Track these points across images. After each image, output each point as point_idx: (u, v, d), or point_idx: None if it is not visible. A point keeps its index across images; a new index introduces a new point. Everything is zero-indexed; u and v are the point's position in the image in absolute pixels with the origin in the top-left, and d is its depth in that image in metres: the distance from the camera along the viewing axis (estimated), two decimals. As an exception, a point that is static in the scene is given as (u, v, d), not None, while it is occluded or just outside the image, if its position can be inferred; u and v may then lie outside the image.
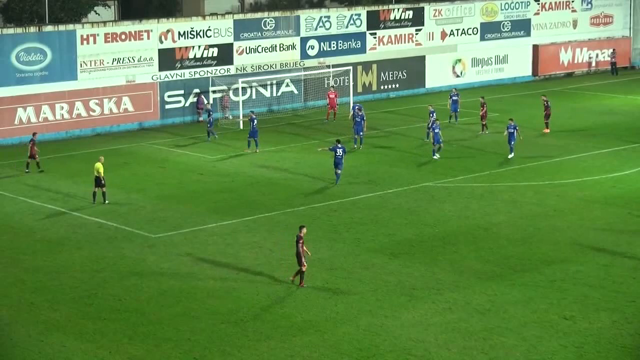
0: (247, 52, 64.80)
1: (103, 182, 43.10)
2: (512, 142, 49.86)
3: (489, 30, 75.61)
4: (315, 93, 66.50)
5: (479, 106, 57.76)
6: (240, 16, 66.53)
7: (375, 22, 70.33)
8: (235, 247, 36.85)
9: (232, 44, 64.30)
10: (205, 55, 63.16)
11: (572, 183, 45.52)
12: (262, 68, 65.36)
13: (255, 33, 64.99)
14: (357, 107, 56.14)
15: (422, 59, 72.54)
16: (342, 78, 66.86)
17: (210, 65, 63.48)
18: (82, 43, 58.80)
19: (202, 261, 35.23)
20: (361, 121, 53.89)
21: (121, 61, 60.08)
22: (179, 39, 62.22)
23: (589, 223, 39.00)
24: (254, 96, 64.59)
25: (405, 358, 26.88)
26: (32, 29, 58.20)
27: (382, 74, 70.53)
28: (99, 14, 73.17)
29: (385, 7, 71.29)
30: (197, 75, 62.85)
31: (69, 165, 51.20)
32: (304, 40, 67.25)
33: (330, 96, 62.03)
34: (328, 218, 40.35)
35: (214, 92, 62.87)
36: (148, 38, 61.08)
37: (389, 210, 41.39)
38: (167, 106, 61.89)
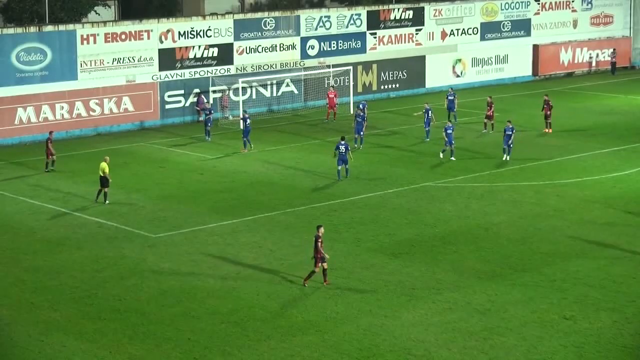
0: (247, 52, 64.81)
1: (108, 182, 43.13)
2: (511, 145, 49.32)
3: (489, 30, 75.63)
4: (315, 93, 66.51)
5: (485, 105, 57.84)
6: (241, 16, 66.54)
7: (375, 22, 70.34)
8: (235, 247, 36.85)
9: (232, 44, 64.31)
10: (205, 55, 63.17)
11: (572, 183, 45.52)
12: (262, 68, 65.37)
13: (255, 33, 65.00)
14: (362, 104, 56.38)
15: (422, 58, 72.56)
16: (342, 78, 66.89)
17: (210, 65, 63.49)
18: (82, 43, 58.82)
19: (202, 261, 35.23)
20: (362, 121, 53.93)
21: (121, 61, 60.09)
22: (179, 38, 62.23)
23: (589, 223, 39.00)
24: (254, 96, 64.61)
25: (405, 358, 26.88)
26: (32, 29, 58.21)
27: (382, 73, 70.55)
28: (99, 14, 73.17)
29: (386, 7, 71.30)
30: (197, 75, 62.86)
31: (69, 165, 51.18)
32: (304, 40, 67.26)
33: (330, 96, 62.04)
34: (328, 218, 40.33)
35: (214, 92, 62.88)
36: (148, 38, 61.09)
37: (389, 210, 41.40)
38: (167, 106, 61.91)
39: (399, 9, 71.47)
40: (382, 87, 70.81)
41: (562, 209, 41.13)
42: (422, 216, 40.50)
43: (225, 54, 63.95)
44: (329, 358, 26.95)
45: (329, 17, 68.39)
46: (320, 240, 32.09)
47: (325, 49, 68.13)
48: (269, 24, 65.64)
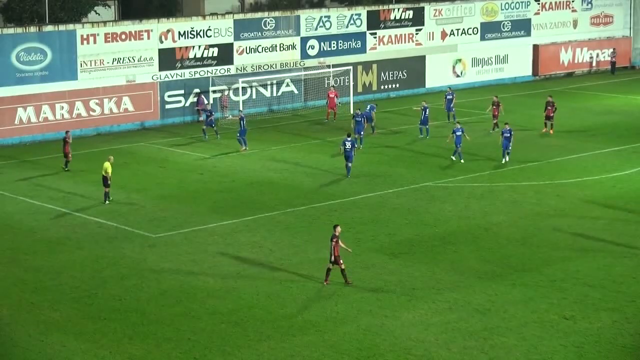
0: (247, 52, 64.81)
1: (109, 182, 43.17)
2: (509, 147, 48.93)
3: (489, 30, 75.62)
4: (315, 93, 66.50)
5: (490, 105, 57.93)
6: (241, 16, 66.54)
7: (375, 22, 70.34)
8: (235, 247, 36.85)
9: (232, 44, 64.32)
10: (205, 55, 63.17)
11: (572, 183, 45.52)
12: (262, 68, 65.37)
13: (255, 33, 65.01)
14: (371, 106, 56.67)
15: (422, 58, 72.55)
16: (342, 78, 66.88)
17: (210, 65, 63.49)
18: (82, 43, 58.82)
19: (202, 261, 35.23)
20: (361, 120, 53.97)
21: (121, 61, 60.09)
22: (179, 38, 62.23)
23: (589, 223, 39.00)
24: (254, 96, 64.61)
25: (405, 358, 26.88)
26: (32, 29, 58.21)
27: (382, 73, 70.54)
28: (99, 14, 73.17)
29: (386, 7, 71.30)
30: (197, 75, 62.86)
31: (69, 165, 51.13)
32: (304, 40, 67.26)
33: (330, 96, 62.05)
34: (328, 218, 40.32)
35: (214, 92, 62.89)
36: (148, 38, 61.09)
37: (389, 210, 41.40)
38: (167, 106, 61.90)
39: (399, 9, 71.46)
40: (382, 87, 70.80)
41: (562, 209, 41.13)
42: (422, 216, 40.50)
43: (225, 54, 63.95)
44: (329, 358, 26.95)
45: (329, 17, 68.39)
46: (335, 239, 32.04)
47: (325, 49, 68.13)
48: (269, 24, 65.64)
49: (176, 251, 36.42)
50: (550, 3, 78.70)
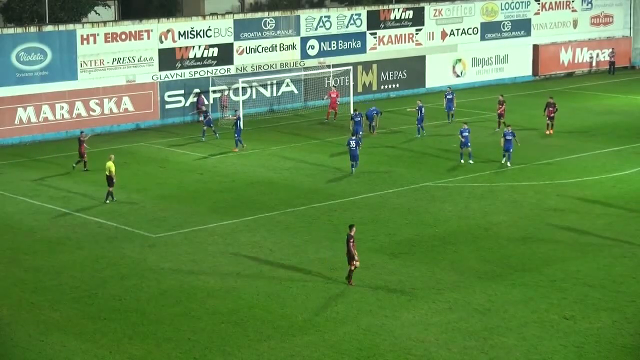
0: (247, 52, 64.83)
1: (114, 181, 43.17)
2: (511, 150, 48.56)
3: (489, 30, 75.62)
4: (315, 93, 66.50)
5: (496, 104, 58.04)
6: (241, 16, 66.55)
7: (375, 22, 70.35)
8: (235, 247, 36.85)
9: (232, 44, 64.32)
10: (205, 55, 63.18)
11: (573, 183, 45.52)
12: (262, 68, 65.38)
13: (255, 33, 65.02)
14: (375, 110, 56.73)
15: (422, 58, 72.56)
16: (342, 78, 66.88)
17: (210, 65, 63.50)
18: (82, 43, 58.83)
19: (202, 261, 35.23)
20: (360, 120, 54.03)
21: (121, 61, 60.10)
22: (179, 38, 62.24)
23: (589, 223, 38.99)
24: (254, 96, 64.62)
25: (405, 358, 26.88)
26: (32, 29, 58.22)
27: (382, 73, 70.55)
28: (99, 14, 73.18)
29: (386, 7, 71.31)
30: (197, 75, 62.87)
31: (69, 165, 51.14)
32: (304, 40, 67.27)
33: (332, 95, 62.06)
34: (328, 218, 40.35)
35: (214, 92, 62.90)
36: (148, 38, 61.10)
37: (389, 210, 41.40)
38: (167, 106, 61.92)
39: (399, 9, 71.47)
40: (382, 87, 70.81)
41: (562, 209, 41.13)
42: (422, 216, 40.50)
43: (225, 54, 63.96)
44: (329, 358, 26.95)
45: (329, 17, 68.39)
46: (351, 239, 32.03)
47: (325, 49, 68.14)
48: (269, 24, 65.64)
49: (176, 251, 36.42)
50: (550, 3, 78.71)
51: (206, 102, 61.63)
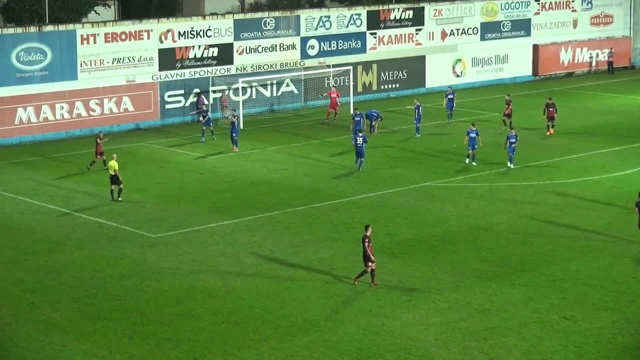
0: (247, 52, 64.83)
1: (120, 179, 43.19)
2: (513, 153, 48.16)
3: (489, 30, 75.63)
4: (315, 93, 66.50)
5: (503, 103, 58.08)
6: (240, 16, 66.56)
7: (375, 21, 70.35)
8: (235, 247, 36.85)
9: (232, 44, 64.33)
10: (205, 55, 63.18)
11: (573, 183, 45.52)
12: (262, 68, 65.38)
13: (255, 33, 65.02)
14: (376, 113, 56.77)
15: (422, 58, 72.57)
16: (342, 78, 66.88)
17: (210, 65, 63.50)
18: (82, 43, 58.83)
19: (202, 261, 35.23)
20: (360, 120, 54.08)
21: (121, 61, 60.10)
22: (179, 38, 62.25)
23: (589, 223, 38.99)
24: (254, 96, 64.63)
25: (405, 358, 26.88)
26: (32, 29, 58.23)
27: (382, 73, 70.56)
28: (99, 14, 73.16)
29: (386, 7, 71.32)
30: (197, 75, 62.88)
31: (69, 165, 51.20)
32: (304, 40, 67.27)
33: (332, 95, 62.07)
34: (328, 218, 40.35)
35: (214, 92, 62.90)
36: (148, 38, 61.11)
37: (389, 210, 41.40)
38: (167, 106, 61.93)
39: (399, 9, 71.47)
40: (382, 87, 70.82)
41: (562, 209, 41.13)
42: (422, 216, 40.49)
43: (225, 54, 63.97)
44: (329, 358, 26.95)
45: (329, 17, 68.40)
46: (367, 240, 32.01)
47: (325, 49, 68.14)
48: (269, 24, 65.65)
49: (176, 251, 36.42)
50: (550, 3, 78.72)
51: (206, 102, 61.59)
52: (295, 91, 66.54)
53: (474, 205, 41.96)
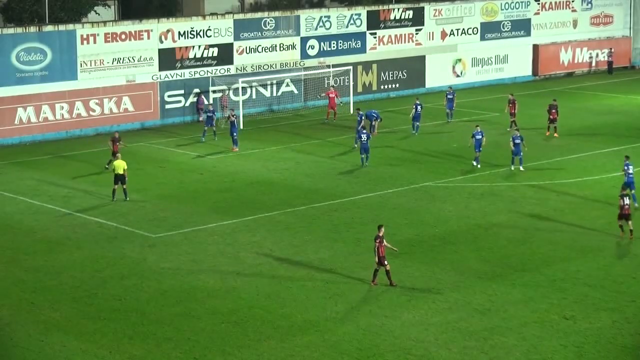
0: (247, 52, 64.82)
1: (126, 178, 43.21)
2: (520, 155, 47.69)
3: (489, 30, 75.62)
4: (315, 93, 66.49)
5: (506, 103, 58.09)
6: (240, 16, 66.55)
7: (375, 22, 70.34)
8: (235, 247, 36.85)
9: (232, 44, 64.32)
10: (205, 55, 63.17)
11: (573, 183, 45.52)
12: (262, 68, 65.37)
13: (255, 33, 65.01)
14: (375, 113, 56.77)
15: (422, 58, 72.56)
16: (342, 78, 66.88)
17: (210, 65, 63.49)
18: (82, 43, 58.82)
19: (202, 261, 35.23)
20: (360, 120, 54.06)
21: (121, 61, 60.09)
22: (179, 38, 62.24)
23: (589, 223, 38.99)
24: (254, 96, 64.62)
25: (405, 358, 26.88)
26: (32, 29, 58.21)
27: (382, 73, 70.55)
28: (99, 14, 73.15)
29: (385, 7, 71.31)
30: (197, 75, 62.87)
31: (69, 165, 51.21)
32: (304, 40, 67.27)
33: (330, 95, 62.07)
34: (328, 218, 40.36)
35: (214, 92, 62.89)
36: (148, 38, 61.09)
37: (389, 210, 41.40)
38: (167, 106, 61.92)
39: (399, 9, 71.46)
40: (382, 87, 70.81)
41: (562, 209, 41.13)
42: (422, 216, 40.50)
43: (225, 54, 63.96)
44: (329, 358, 26.96)
45: (329, 17, 68.39)
46: (379, 240, 31.95)
47: (325, 49, 68.13)
48: (269, 24, 65.64)
49: (176, 251, 36.42)
50: (550, 3, 78.71)
51: (206, 102, 61.57)
52: (295, 91, 66.52)
53: (474, 205, 41.96)
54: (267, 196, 44.16)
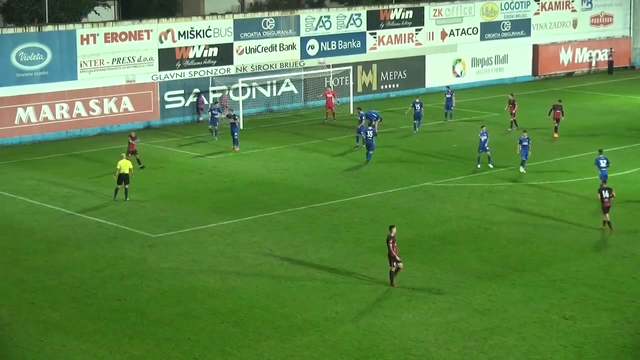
0: (247, 52, 64.82)
1: (129, 178, 43.24)
2: (526, 157, 47.38)
3: (489, 30, 75.63)
4: (315, 93, 66.49)
5: (506, 103, 58.10)
6: (240, 16, 66.55)
7: (375, 22, 70.35)
8: (235, 247, 36.85)
9: (232, 44, 64.32)
10: (205, 55, 63.17)
11: (572, 183, 45.53)
12: (262, 68, 65.38)
13: (255, 33, 65.01)
14: (375, 113, 56.71)
15: (422, 58, 72.57)
16: (342, 78, 66.88)
17: (210, 65, 63.50)
18: (82, 43, 58.82)
19: (202, 261, 35.23)
20: (361, 119, 54.12)
21: (121, 61, 60.09)
22: (179, 38, 62.24)
23: (589, 223, 38.99)
24: (254, 96, 64.62)
25: (405, 358, 26.88)
26: (32, 29, 58.22)
27: (382, 73, 70.55)
28: (99, 14, 73.15)
29: (385, 7, 71.31)
30: (197, 75, 62.87)
31: (69, 165, 51.21)
32: (304, 40, 67.27)
33: (328, 96, 62.08)
34: (328, 218, 40.36)
35: (214, 92, 62.89)
36: (148, 38, 61.10)
37: (389, 210, 41.40)
38: (167, 106, 61.91)
39: (398, 9, 71.47)
40: (382, 87, 70.81)
41: (562, 209, 41.13)
42: (422, 216, 40.50)
43: (225, 54, 63.96)
44: (329, 358, 26.95)
45: (328, 17, 68.40)
46: (391, 240, 31.92)
47: (325, 49, 68.14)
48: (269, 24, 65.64)
49: (176, 251, 36.42)
50: (550, 3, 78.72)
51: (211, 101, 61.56)
52: (295, 91, 66.53)
53: (474, 205, 41.96)
54: (267, 196, 44.17)
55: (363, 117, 54.45)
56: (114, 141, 56.81)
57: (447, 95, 60.73)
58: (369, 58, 70.01)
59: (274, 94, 65.81)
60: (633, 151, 51.87)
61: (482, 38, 75.40)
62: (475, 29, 74.99)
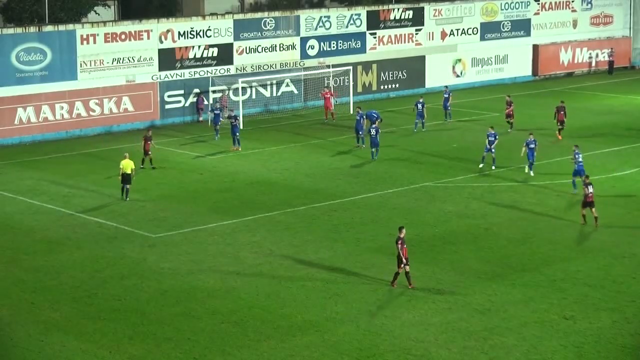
0: (247, 52, 64.82)
1: (131, 178, 43.21)
2: (533, 159, 46.95)
3: (489, 30, 75.62)
4: (315, 93, 66.48)
5: (504, 104, 58.13)
6: (240, 16, 66.55)
7: (375, 22, 70.34)
8: (235, 247, 36.85)
9: (232, 44, 64.32)
10: (205, 55, 63.17)
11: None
12: (262, 68, 65.38)
13: (255, 33, 65.01)
14: (375, 114, 56.69)
15: (422, 58, 72.56)
16: (342, 78, 66.88)
17: (210, 65, 63.49)
18: (82, 43, 58.82)
19: (202, 261, 35.23)
20: (361, 119, 54.11)
21: (121, 61, 60.09)
22: (179, 38, 62.24)
23: (588, 223, 38.97)
24: (254, 96, 64.62)
25: (405, 358, 26.88)
26: (32, 29, 58.22)
27: (382, 73, 70.55)
28: (99, 14, 73.18)
29: (385, 7, 71.31)
30: (197, 75, 62.87)
31: (69, 165, 51.21)
32: (304, 40, 67.27)
33: (326, 96, 62.08)
34: (328, 218, 40.35)
35: (214, 92, 62.89)
36: (148, 38, 61.10)
37: (389, 210, 41.40)
38: (167, 106, 61.91)
39: (398, 9, 71.46)
40: (382, 87, 70.81)
41: (562, 209, 41.13)
42: (422, 216, 40.50)
43: (225, 54, 63.96)
44: (329, 358, 26.95)
45: (328, 17, 68.39)
46: (400, 241, 31.89)
47: (325, 49, 68.14)
48: (269, 24, 65.64)
49: (176, 251, 36.42)
50: (550, 3, 78.72)
51: (211, 101, 61.56)
52: (295, 91, 66.53)
53: (474, 205, 41.96)
54: (267, 196, 44.17)
55: (363, 117, 54.42)
56: (114, 141, 56.86)
57: (445, 95, 60.81)
58: (369, 58, 70.01)
59: (274, 94, 65.81)
60: (633, 151, 51.86)
61: (482, 38, 75.39)
62: (475, 29, 74.99)
